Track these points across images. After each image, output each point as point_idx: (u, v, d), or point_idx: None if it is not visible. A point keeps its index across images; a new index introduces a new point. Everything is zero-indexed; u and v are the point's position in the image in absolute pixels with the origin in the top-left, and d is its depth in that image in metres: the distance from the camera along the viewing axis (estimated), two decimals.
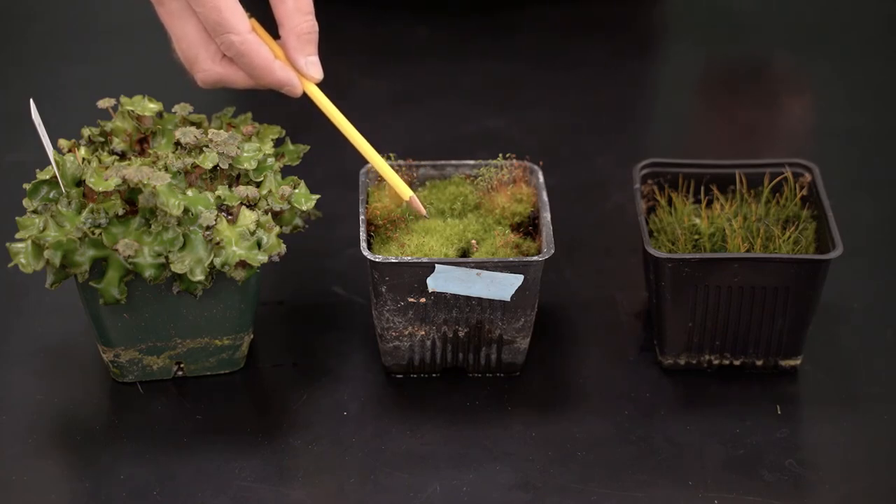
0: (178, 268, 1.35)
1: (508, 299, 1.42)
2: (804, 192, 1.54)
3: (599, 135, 1.90)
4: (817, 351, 1.52)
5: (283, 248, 1.39)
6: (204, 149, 1.43)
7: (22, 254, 1.35)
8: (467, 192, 1.52)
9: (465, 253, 1.47)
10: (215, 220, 1.37)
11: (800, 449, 1.41)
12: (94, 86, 1.93)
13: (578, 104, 1.96)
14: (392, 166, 1.52)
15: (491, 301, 1.42)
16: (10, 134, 1.86)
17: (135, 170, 1.35)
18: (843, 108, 1.96)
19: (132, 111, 1.46)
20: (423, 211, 1.47)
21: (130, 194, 1.37)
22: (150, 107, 1.48)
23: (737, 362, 1.49)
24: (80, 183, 1.39)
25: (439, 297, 1.42)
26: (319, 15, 1.51)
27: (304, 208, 1.45)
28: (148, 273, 1.36)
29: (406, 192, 1.47)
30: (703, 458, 1.40)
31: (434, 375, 1.49)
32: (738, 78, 2.03)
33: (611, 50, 2.08)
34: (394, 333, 1.44)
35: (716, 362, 1.49)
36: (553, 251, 1.42)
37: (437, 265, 1.40)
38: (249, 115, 1.54)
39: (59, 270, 1.36)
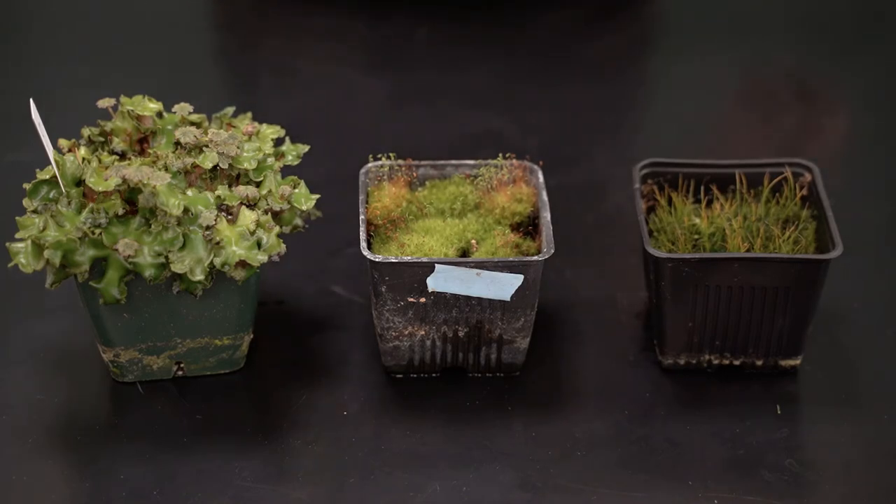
0: (178, 268, 1.35)
1: (508, 299, 1.42)
2: (804, 192, 1.54)
3: (599, 135, 1.90)
4: (817, 351, 1.52)
5: (283, 248, 1.39)
6: (204, 149, 1.43)
7: (22, 254, 1.36)
8: (467, 192, 1.52)
9: (465, 253, 1.47)
10: (215, 219, 1.37)
11: (800, 449, 1.41)
12: (94, 86, 1.93)
13: (578, 104, 1.96)
14: (392, 167, 1.53)
15: (491, 301, 1.42)
16: (10, 134, 1.86)
17: (135, 170, 1.35)
18: (843, 109, 1.96)
19: (132, 111, 1.46)
20: None
21: (130, 194, 1.37)
22: (150, 107, 1.47)
23: (737, 362, 1.49)
24: (80, 183, 1.39)
25: (439, 297, 1.42)
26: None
27: (304, 208, 1.45)
28: (148, 273, 1.36)
29: None
30: (703, 458, 1.40)
31: (434, 375, 1.49)
32: (738, 78, 2.03)
33: (611, 50, 2.08)
34: (394, 333, 1.45)
35: (716, 362, 1.49)
36: (553, 251, 1.42)
37: (437, 265, 1.40)
38: (249, 115, 1.54)
39: (59, 270, 1.36)
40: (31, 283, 1.56)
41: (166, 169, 1.40)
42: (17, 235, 1.36)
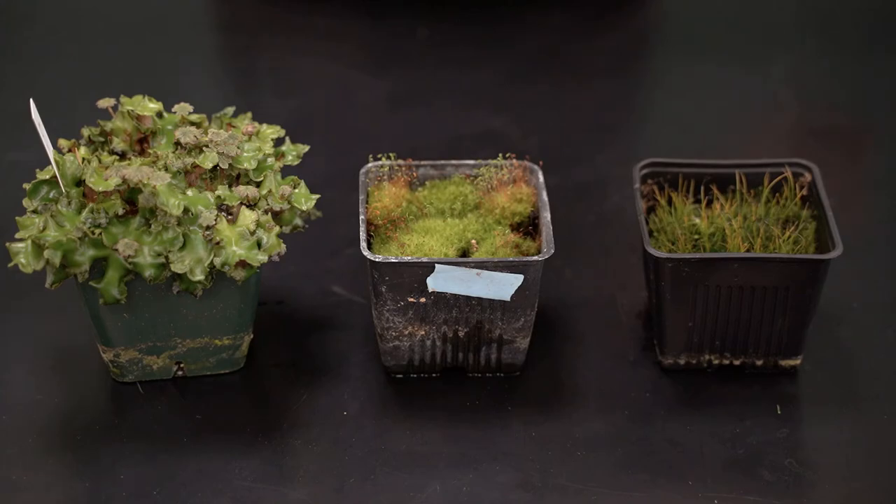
0: (178, 268, 1.35)
1: (508, 299, 1.42)
2: (804, 192, 1.54)
3: (599, 135, 1.90)
4: (817, 351, 1.52)
5: (283, 248, 1.39)
6: (204, 149, 1.43)
7: (22, 254, 1.36)
8: (467, 192, 1.52)
9: (465, 253, 1.47)
10: (215, 219, 1.37)
11: (800, 449, 1.41)
12: (94, 86, 1.93)
13: (578, 104, 1.96)
14: (392, 167, 1.53)
15: (491, 301, 1.42)
16: (10, 134, 1.86)
17: (135, 170, 1.35)
18: (842, 108, 1.96)
19: (132, 111, 1.46)
20: None
21: (130, 194, 1.37)
22: (150, 107, 1.48)
23: (737, 362, 1.49)
24: (80, 183, 1.39)
25: (439, 297, 1.42)
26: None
27: (304, 208, 1.45)
28: (148, 273, 1.36)
29: None
30: (703, 458, 1.40)
31: (434, 375, 1.49)
32: (738, 77, 2.03)
33: (611, 50, 2.08)
34: (394, 333, 1.45)
35: (716, 362, 1.49)
36: (553, 251, 1.42)
37: (437, 265, 1.40)
38: (249, 114, 1.54)
39: (59, 270, 1.36)
40: (31, 283, 1.56)
41: (166, 169, 1.40)
42: (17, 235, 1.36)
